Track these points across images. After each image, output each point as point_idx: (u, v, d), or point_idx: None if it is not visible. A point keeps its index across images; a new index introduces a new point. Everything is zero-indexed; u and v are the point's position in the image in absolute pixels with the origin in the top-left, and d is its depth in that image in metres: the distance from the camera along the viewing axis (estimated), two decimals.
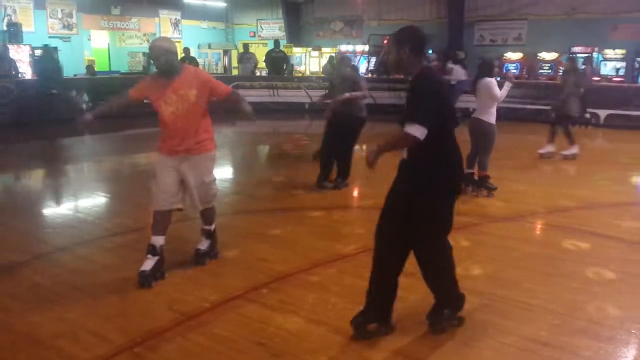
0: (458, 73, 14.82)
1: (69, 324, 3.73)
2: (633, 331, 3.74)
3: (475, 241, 5.38)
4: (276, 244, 5.30)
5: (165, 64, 4.27)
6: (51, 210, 6.85)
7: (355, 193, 7.94)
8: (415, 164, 3.36)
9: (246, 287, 4.28)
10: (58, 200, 7.23)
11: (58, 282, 4.45)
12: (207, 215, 4.79)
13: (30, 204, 7.15)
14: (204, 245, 4.85)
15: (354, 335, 3.53)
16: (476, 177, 7.10)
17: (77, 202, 7.21)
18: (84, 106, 14.65)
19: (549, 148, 9.79)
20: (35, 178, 9.25)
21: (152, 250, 4.41)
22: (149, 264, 4.36)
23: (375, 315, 3.55)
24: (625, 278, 4.60)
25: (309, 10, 22.11)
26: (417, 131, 3.15)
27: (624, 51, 15.78)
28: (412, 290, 3.98)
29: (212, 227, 4.87)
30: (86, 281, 4.46)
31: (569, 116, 9.70)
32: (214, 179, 4.66)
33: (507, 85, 7.07)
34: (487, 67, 7.11)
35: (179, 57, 4.49)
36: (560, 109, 9.76)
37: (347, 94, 6.98)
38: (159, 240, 4.45)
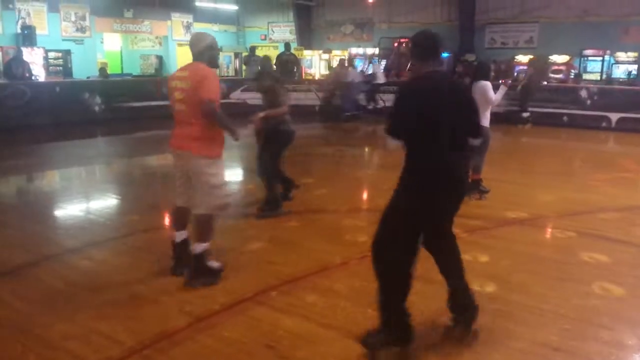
0: (352, 74, 16.07)
1: (79, 326, 3.75)
2: None
3: (486, 245, 5.35)
4: (285, 247, 5.30)
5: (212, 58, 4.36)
6: (62, 212, 6.90)
7: (365, 196, 7.95)
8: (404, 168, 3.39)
9: (255, 290, 4.28)
10: (69, 202, 7.28)
11: (69, 284, 4.48)
12: (204, 226, 4.37)
13: (42, 205, 7.20)
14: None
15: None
16: (469, 180, 7.05)
17: (89, 204, 7.26)
18: (97, 108, 14.80)
19: None
20: (46, 179, 9.32)
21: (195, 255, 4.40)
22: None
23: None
24: (636, 283, 4.56)
25: (320, 13, 22.15)
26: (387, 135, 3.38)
27: (636, 54, 15.66)
28: (422, 296, 3.97)
29: (201, 247, 4.37)
30: (97, 282, 4.48)
31: None
32: (219, 185, 4.34)
33: (502, 89, 7.06)
34: (483, 70, 7.04)
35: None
36: None
37: (261, 113, 6.11)
38: (177, 236, 4.52)
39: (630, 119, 13.91)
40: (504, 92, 7.11)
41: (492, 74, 10.71)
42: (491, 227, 5.97)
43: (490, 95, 6.69)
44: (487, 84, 6.73)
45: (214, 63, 4.42)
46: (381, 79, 16.95)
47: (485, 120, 6.72)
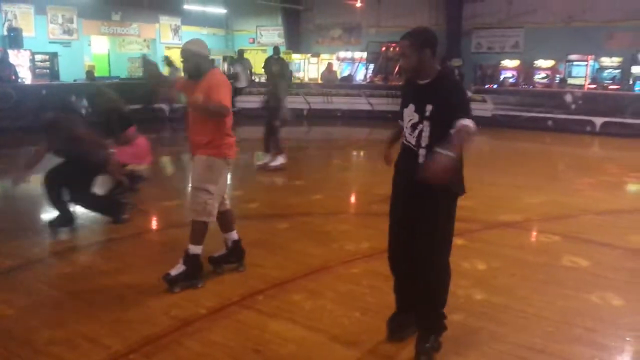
0: (241, 79, 17.03)
1: (65, 330, 3.73)
2: (627, 338, 3.76)
3: (472, 248, 5.40)
4: (272, 250, 5.31)
5: (192, 67, 4.32)
6: (48, 216, 6.85)
7: (353, 199, 7.98)
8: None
9: (242, 294, 4.29)
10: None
11: (55, 288, 4.46)
12: (192, 230, 4.40)
13: (27, 209, 7.16)
14: (176, 269, 4.38)
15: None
16: None
17: (75, 207, 7.20)
18: (83, 111, 14.70)
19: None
20: (32, 183, 9.24)
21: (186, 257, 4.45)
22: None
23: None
24: (619, 285, 4.62)
25: (309, 17, 22.18)
26: (473, 125, 3.07)
27: (620, 59, 15.85)
28: None
29: (192, 249, 4.41)
30: (83, 287, 4.47)
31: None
32: (206, 189, 4.32)
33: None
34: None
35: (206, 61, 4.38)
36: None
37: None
38: (193, 249, 4.49)
39: (614, 123, 14.08)
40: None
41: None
42: (476, 230, 6.02)
43: None
44: None
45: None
46: (243, 83, 16.25)
47: None
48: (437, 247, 3.32)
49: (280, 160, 9.33)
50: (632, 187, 9.16)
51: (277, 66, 8.62)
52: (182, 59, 4.35)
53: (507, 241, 5.77)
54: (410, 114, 3.28)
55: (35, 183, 9.03)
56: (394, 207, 3.50)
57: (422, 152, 3.21)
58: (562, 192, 8.05)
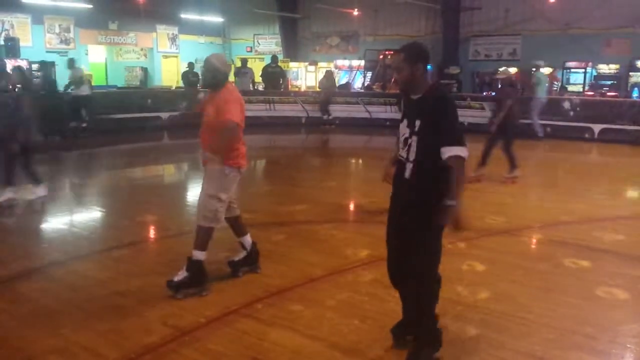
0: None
1: (62, 339, 3.71)
2: (628, 345, 3.74)
3: (472, 254, 5.38)
4: (271, 259, 5.28)
5: (210, 78, 4.47)
6: (46, 225, 6.83)
7: (352, 207, 7.96)
8: (424, 184, 3.23)
9: (241, 302, 4.26)
10: (52, 215, 7.21)
11: (52, 297, 4.43)
12: (198, 235, 4.47)
13: (24, 218, 7.13)
14: (178, 275, 4.40)
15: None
16: None
17: (72, 217, 7.19)
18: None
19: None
20: (29, 193, 9.21)
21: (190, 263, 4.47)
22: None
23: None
24: (620, 292, 4.60)
25: (306, 25, 22.27)
26: (464, 152, 3.11)
27: (617, 66, 15.91)
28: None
29: (196, 255, 4.44)
30: (81, 296, 4.44)
31: None
32: (218, 197, 4.41)
33: None
34: None
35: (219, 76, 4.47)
36: None
37: None
38: (197, 255, 4.48)
39: (613, 130, 14.10)
40: None
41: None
42: (476, 237, 5.99)
43: None
44: None
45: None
46: (86, 91, 14.01)
47: None
48: (428, 259, 3.32)
49: None
50: (632, 194, 9.16)
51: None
52: (203, 68, 4.52)
53: (507, 248, 5.76)
54: (403, 129, 3.34)
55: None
56: (389, 220, 3.51)
57: (409, 165, 3.27)
58: (561, 199, 8.04)
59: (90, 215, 7.22)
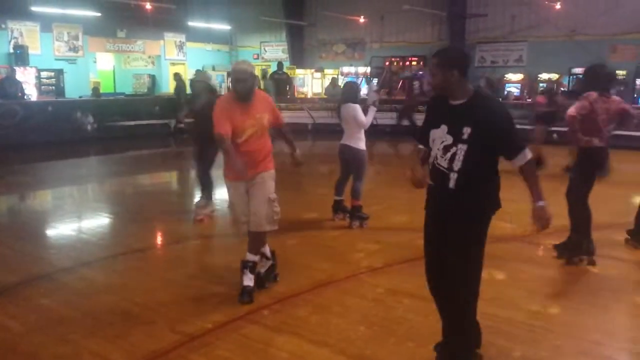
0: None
1: (71, 345, 3.74)
2: (635, 352, 3.74)
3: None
4: (278, 265, 5.30)
5: (249, 88, 4.37)
6: (54, 231, 6.88)
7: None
8: (471, 195, 3.13)
9: (248, 308, 4.28)
10: (61, 221, 7.26)
11: (61, 303, 4.47)
12: (256, 240, 4.57)
13: (34, 225, 7.18)
14: (250, 280, 4.50)
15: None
16: (350, 207, 6.80)
17: (81, 223, 7.24)
18: (89, 127, 14.82)
19: None
20: (38, 198, 9.31)
21: (252, 266, 4.53)
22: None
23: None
24: (626, 299, 4.60)
25: (312, 32, 22.33)
26: (530, 154, 3.10)
27: (624, 72, 15.88)
28: (414, 312, 3.99)
29: (252, 258, 4.56)
30: (89, 302, 4.48)
31: None
32: (276, 199, 4.57)
33: (372, 110, 6.75)
34: (351, 93, 6.78)
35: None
36: None
37: None
38: (254, 257, 4.56)
39: (618, 136, 14.01)
40: (374, 112, 6.79)
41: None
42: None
43: (361, 118, 6.46)
44: (356, 107, 6.50)
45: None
46: None
47: (361, 143, 6.56)
48: (473, 269, 3.24)
49: None
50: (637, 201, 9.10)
51: None
52: (235, 80, 4.38)
53: (513, 254, 5.75)
54: (442, 136, 3.11)
55: (37, 199, 9.11)
56: (427, 232, 3.35)
57: (453, 175, 3.07)
58: (566, 205, 8.00)
59: (98, 221, 7.27)
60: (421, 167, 3.31)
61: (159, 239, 6.72)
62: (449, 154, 3.08)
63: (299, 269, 5.24)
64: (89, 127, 14.83)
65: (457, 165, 3.06)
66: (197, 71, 9.87)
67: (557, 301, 4.52)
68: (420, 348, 3.62)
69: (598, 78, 5.41)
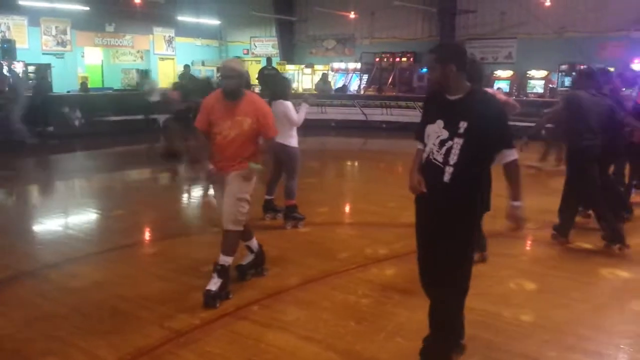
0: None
1: (59, 342, 3.71)
2: (622, 346, 3.77)
3: None
4: (267, 260, 5.29)
5: (235, 86, 4.28)
6: (41, 227, 6.83)
7: (347, 209, 7.97)
8: (465, 189, 3.14)
9: (237, 304, 4.27)
10: (48, 217, 7.20)
11: (48, 299, 4.43)
12: (229, 241, 4.37)
13: (21, 220, 7.12)
14: (214, 284, 4.27)
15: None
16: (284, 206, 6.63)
17: (68, 219, 7.19)
18: (77, 122, 14.69)
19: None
20: (25, 194, 9.22)
21: (221, 270, 4.31)
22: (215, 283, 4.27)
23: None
24: (614, 294, 4.63)
25: (302, 28, 22.28)
26: (517, 154, 3.15)
27: (612, 69, 15.96)
28: (403, 307, 3.99)
29: (229, 261, 4.37)
30: (77, 298, 4.44)
31: None
32: (245, 199, 4.38)
33: (304, 107, 6.54)
34: (281, 89, 6.59)
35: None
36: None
37: None
38: (226, 260, 4.36)
39: None
40: (307, 109, 6.56)
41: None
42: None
43: (293, 115, 6.29)
44: (288, 105, 6.29)
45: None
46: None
47: (293, 140, 6.40)
48: (465, 264, 3.28)
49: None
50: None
51: None
52: (223, 77, 4.35)
53: (502, 250, 5.75)
54: (438, 130, 3.13)
55: (23, 194, 9.03)
56: (419, 226, 3.38)
57: (448, 169, 3.09)
58: (557, 201, 8.04)
59: (86, 217, 7.21)
60: (418, 173, 3.29)
61: (146, 235, 6.68)
62: (444, 148, 3.10)
63: (287, 264, 5.23)
64: (76, 122, 14.71)
65: (452, 159, 3.08)
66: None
67: (544, 296, 4.54)
68: (409, 343, 3.62)
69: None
